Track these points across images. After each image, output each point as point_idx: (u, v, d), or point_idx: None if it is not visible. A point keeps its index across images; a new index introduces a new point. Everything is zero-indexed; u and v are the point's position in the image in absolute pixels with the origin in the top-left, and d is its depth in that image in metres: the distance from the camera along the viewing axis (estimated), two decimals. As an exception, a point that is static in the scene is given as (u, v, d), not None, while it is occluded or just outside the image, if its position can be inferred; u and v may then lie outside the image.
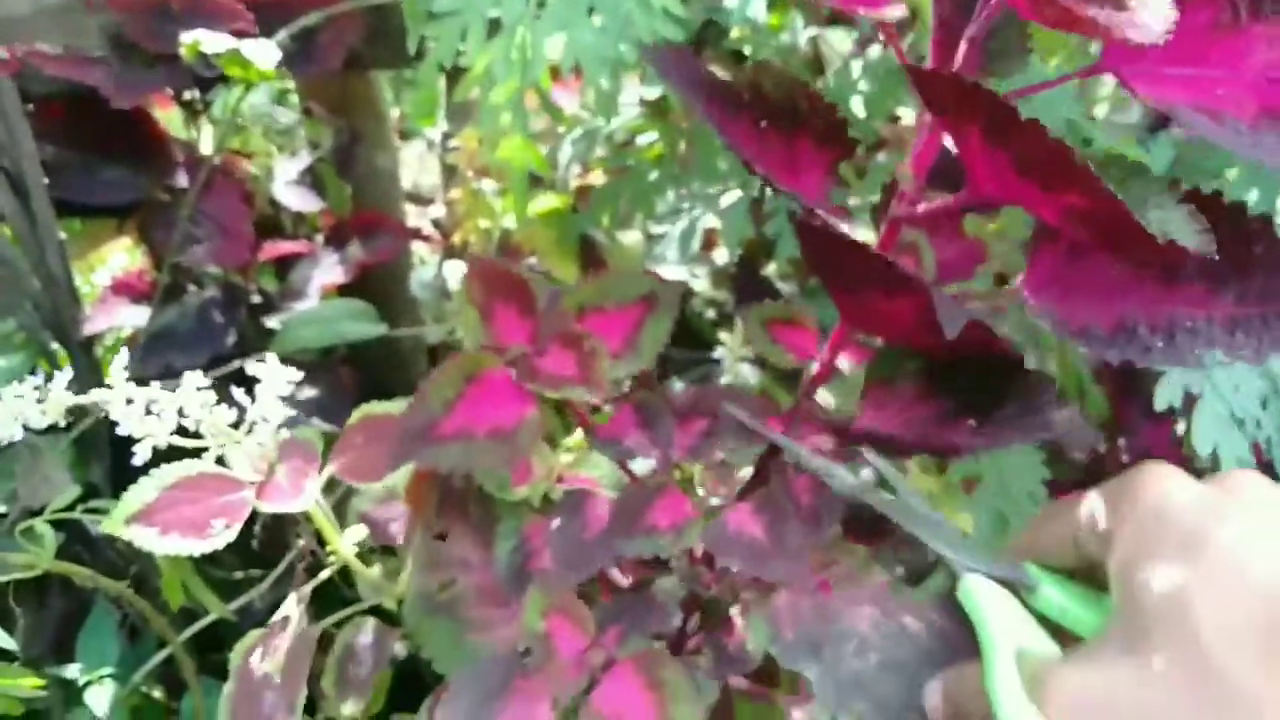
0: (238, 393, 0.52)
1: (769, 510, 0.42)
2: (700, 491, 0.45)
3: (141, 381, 0.81)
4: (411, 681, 0.72)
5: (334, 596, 0.72)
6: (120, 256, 0.94)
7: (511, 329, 0.44)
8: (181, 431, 0.53)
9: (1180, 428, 0.62)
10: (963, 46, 0.35)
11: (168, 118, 0.87)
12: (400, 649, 0.78)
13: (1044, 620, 0.37)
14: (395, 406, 0.58)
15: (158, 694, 0.84)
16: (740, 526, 0.42)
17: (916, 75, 0.31)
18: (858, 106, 0.74)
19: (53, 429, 0.80)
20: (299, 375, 0.52)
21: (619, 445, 0.45)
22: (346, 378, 0.89)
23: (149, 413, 0.51)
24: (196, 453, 0.54)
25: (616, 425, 0.46)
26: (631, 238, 0.86)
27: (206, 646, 0.79)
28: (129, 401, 0.52)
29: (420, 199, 1.05)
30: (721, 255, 0.94)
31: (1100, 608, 0.36)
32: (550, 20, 0.59)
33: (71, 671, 0.75)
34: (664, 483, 0.44)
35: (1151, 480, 0.34)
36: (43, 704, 0.72)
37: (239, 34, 0.70)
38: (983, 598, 0.37)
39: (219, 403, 0.52)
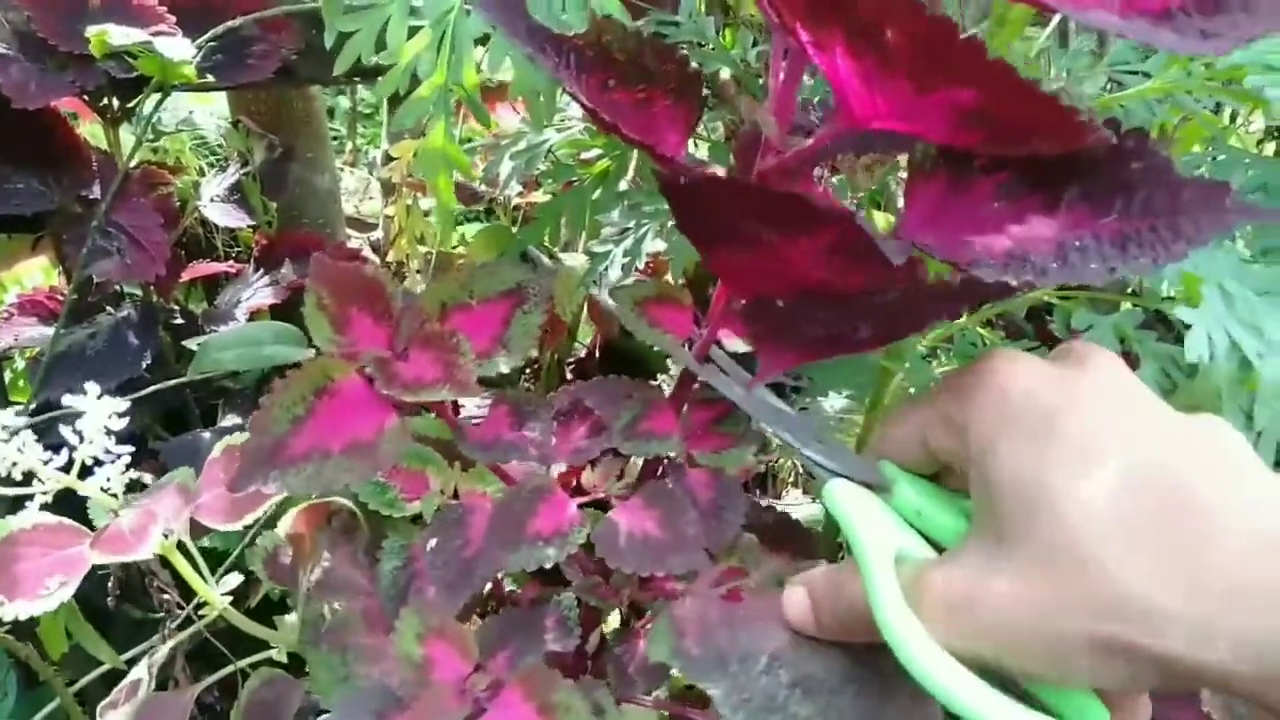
0: (66, 430, 0.46)
1: (662, 504, 0.38)
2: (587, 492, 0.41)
3: (44, 407, 0.76)
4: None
5: (239, 642, 0.66)
6: (38, 277, 0.89)
7: (367, 334, 0.39)
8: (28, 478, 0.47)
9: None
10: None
11: (93, 131, 0.83)
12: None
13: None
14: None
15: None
16: (632, 525, 0.38)
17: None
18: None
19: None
20: (123, 406, 0.47)
21: (493, 448, 0.41)
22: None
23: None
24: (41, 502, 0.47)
25: (489, 426, 0.42)
26: (576, 259, 0.82)
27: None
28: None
29: (363, 224, 1.02)
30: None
31: (956, 508, 0.35)
32: (479, 16, 0.56)
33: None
34: (544, 485, 0.40)
35: (998, 366, 0.32)
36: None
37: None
38: (848, 504, 0.35)
39: (39, 442, 0.46)
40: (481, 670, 0.38)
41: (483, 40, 0.58)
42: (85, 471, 0.47)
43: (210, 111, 0.93)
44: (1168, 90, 0.55)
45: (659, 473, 0.42)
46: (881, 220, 0.68)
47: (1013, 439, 0.31)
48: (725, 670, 0.34)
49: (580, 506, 0.40)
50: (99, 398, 0.47)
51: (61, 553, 0.47)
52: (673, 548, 0.36)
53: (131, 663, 0.70)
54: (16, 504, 0.47)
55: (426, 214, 0.86)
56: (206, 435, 0.81)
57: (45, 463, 0.46)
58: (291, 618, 0.65)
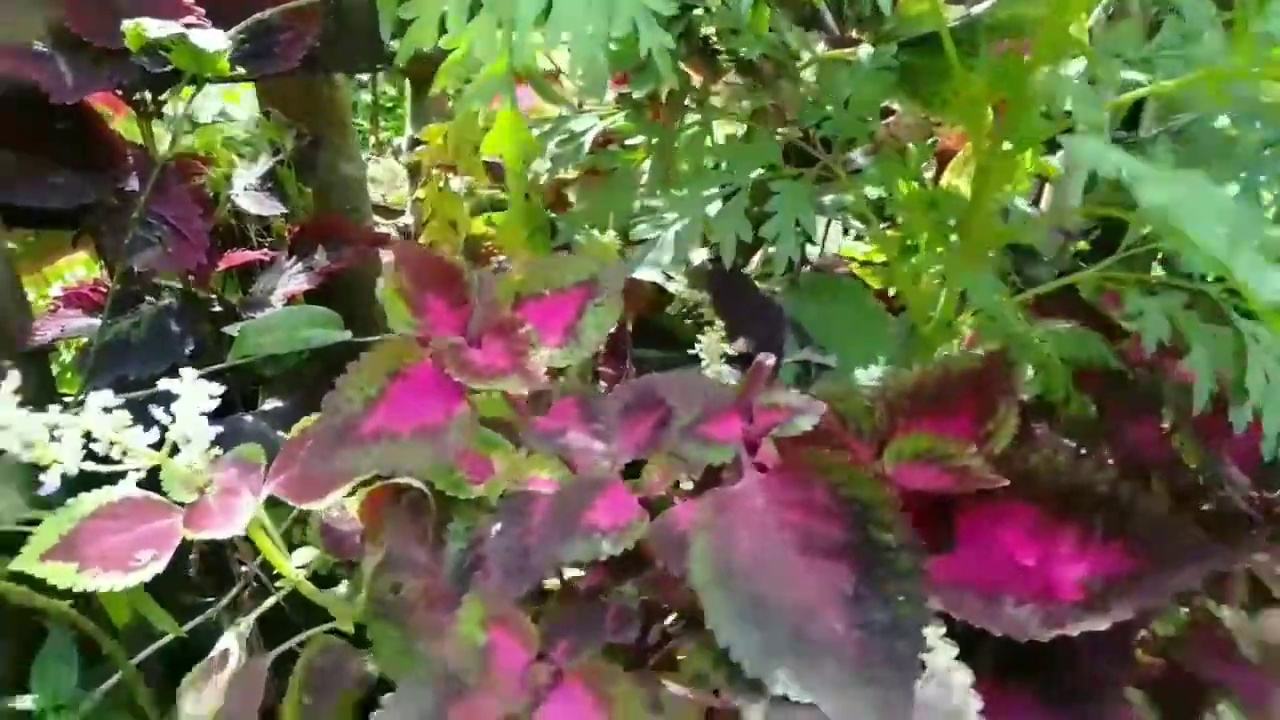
0: (157, 411, 0.48)
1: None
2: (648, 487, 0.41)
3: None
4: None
5: (303, 614, 0.68)
6: (81, 270, 0.91)
7: (442, 319, 0.40)
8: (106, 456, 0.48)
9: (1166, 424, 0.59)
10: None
11: (126, 127, 0.84)
12: (373, 668, 0.74)
13: None
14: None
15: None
16: (687, 527, 0.37)
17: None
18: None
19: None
20: (219, 390, 0.48)
21: (558, 440, 0.41)
22: (316, 388, 0.86)
23: (53, 438, 0.45)
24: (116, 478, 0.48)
25: (556, 418, 0.42)
26: (607, 235, 0.83)
27: (178, 660, 0.75)
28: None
29: (391, 211, 1.03)
30: (699, 254, 0.91)
31: None
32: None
33: (27, 702, 0.71)
34: (605, 478, 0.40)
35: None
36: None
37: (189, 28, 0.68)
38: None
39: (135, 423, 0.47)
40: (543, 659, 0.38)
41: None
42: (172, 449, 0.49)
43: (239, 104, 0.94)
44: (1223, 77, 0.52)
45: (721, 476, 0.40)
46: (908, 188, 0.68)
47: None
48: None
49: (646, 501, 0.39)
50: (194, 380, 0.48)
51: (150, 526, 0.49)
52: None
53: (193, 633, 0.72)
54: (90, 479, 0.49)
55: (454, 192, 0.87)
56: (248, 418, 0.83)
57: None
58: (342, 589, 0.67)
